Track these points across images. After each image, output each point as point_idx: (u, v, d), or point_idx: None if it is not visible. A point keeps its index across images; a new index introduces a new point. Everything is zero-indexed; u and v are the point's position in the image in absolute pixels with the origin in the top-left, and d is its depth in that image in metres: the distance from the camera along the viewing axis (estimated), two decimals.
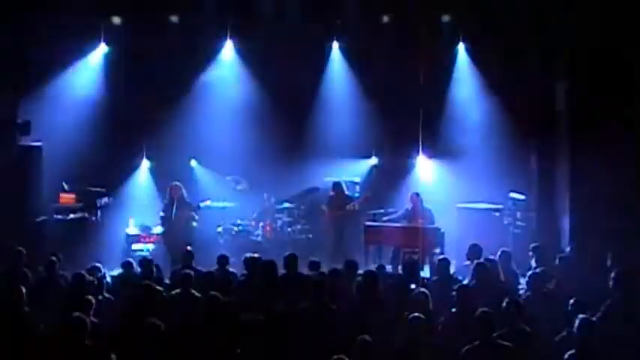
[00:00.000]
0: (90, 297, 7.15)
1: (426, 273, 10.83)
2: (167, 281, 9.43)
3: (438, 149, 13.96)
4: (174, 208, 11.90)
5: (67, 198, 12.91)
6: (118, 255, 12.52)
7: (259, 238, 12.81)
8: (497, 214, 12.74)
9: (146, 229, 12.75)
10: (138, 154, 13.99)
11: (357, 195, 13.18)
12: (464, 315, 6.82)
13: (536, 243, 10.30)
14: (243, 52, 14.05)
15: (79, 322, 6.05)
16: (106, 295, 8.17)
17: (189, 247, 10.87)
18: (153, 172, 13.99)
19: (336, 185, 12.95)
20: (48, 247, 10.51)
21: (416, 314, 6.42)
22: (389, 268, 11.18)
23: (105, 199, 12.90)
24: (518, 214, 12.74)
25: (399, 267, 11.46)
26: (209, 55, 13.99)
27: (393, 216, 12.36)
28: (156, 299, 7.57)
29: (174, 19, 13.58)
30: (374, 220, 12.47)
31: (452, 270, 9.65)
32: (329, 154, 13.75)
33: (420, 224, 11.83)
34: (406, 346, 6.15)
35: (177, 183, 12.16)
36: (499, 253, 9.44)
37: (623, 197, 10.81)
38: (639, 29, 10.72)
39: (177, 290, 7.97)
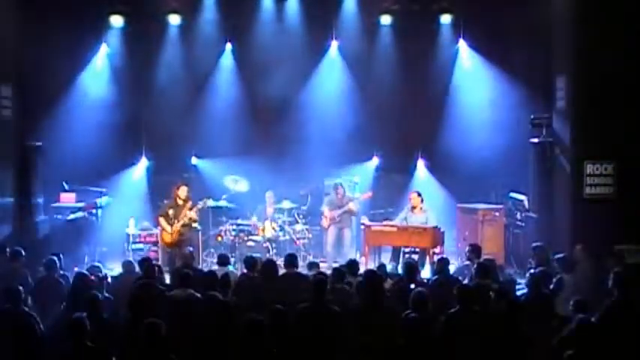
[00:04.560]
0: (96, 295, 7.13)
1: (426, 273, 10.84)
2: (167, 281, 9.45)
3: (439, 149, 13.98)
4: (178, 208, 11.86)
5: (67, 198, 12.92)
6: (118, 255, 12.56)
7: (259, 238, 12.81)
8: (497, 214, 12.75)
9: (146, 229, 12.75)
10: (138, 154, 14.00)
11: (357, 195, 13.17)
12: (464, 315, 6.82)
13: (537, 243, 10.31)
14: (243, 53, 14.07)
15: (79, 322, 6.04)
16: (106, 295, 8.17)
17: (189, 247, 10.90)
18: (152, 172, 14.01)
19: (337, 186, 12.95)
20: (48, 247, 10.51)
21: (416, 314, 6.41)
22: (389, 267, 11.18)
23: (105, 199, 12.89)
24: (518, 214, 12.75)
25: (399, 267, 11.48)
26: (209, 55, 14.01)
27: (394, 217, 12.35)
28: (156, 299, 7.57)
29: (174, 20, 13.61)
30: (374, 220, 12.49)
31: (452, 270, 9.66)
32: (330, 154, 13.75)
33: (420, 224, 11.85)
34: (406, 346, 6.14)
35: (184, 183, 12.13)
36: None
37: (624, 196, 10.81)
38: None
39: (177, 290, 7.97)
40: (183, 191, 11.92)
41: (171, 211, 11.82)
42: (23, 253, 9.33)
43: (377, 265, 10.42)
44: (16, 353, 5.72)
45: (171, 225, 11.75)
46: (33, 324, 6.13)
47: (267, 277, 8.52)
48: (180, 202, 11.87)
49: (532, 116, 12.20)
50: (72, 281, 8.30)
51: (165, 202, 12.13)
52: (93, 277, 8.31)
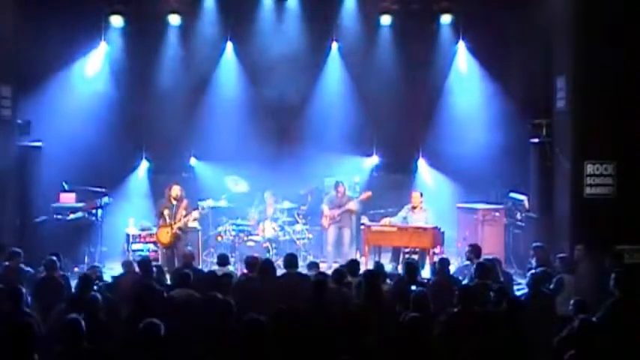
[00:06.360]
0: (95, 296, 7.12)
1: (426, 273, 10.84)
2: (167, 282, 9.44)
3: (439, 149, 13.98)
4: (173, 207, 11.87)
5: (67, 198, 12.91)
6: (118, 255, 12.56)
7: (259, 238, 12.81)
8: (497, 214, 12.75)
9: (146, 229, 12.74)
10: (138, 154, 14.02)
11: (356, 195, 13.17)
12: (465, 315, 6.82)
13: (537, 243, 10.31)
14: (243, 53, 14.07)
15: (75, 323, 6.01)
16: (106, 295, 8.15)
17: (189, 247, 10.89)
18: (152, 171, 14.02)
19: (337, 184, 12.95)
20: (48, 247, 10.51)
21: (416, 314, 6.41)
22: (388, 267, 11.17)
23: (105, 199, 12.89)
24: (518, 214, 12.75)
25: (399, 267, 11.48)
26: (209, 55, 14.01)
27: (394, 217, 12.35)
28: (156, 299, 7.56)
29: (174, 20, 13.61)
30: (374, 220, 12.48)
31: (452, 270, 9.66)
32: (330, 154, 13.75)
33: (420, 223, 11.85)
34: (406, 346, 6.14)
35: (176, 183, 12.15)
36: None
37: (624, 196, 10.79)
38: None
39: (177, 290, 7.97)
40: (175, 190, 11.90)
41: (166, 212, 11.81)
42: (21, 253, 9.32)
43: (375, 263, 10.37)
44: (16, 354, 5.70)
45: (169, 225, 11.74)
46: (33, 324, 6.10)
47: (265, 277, 8.52)
48: (173, 201, 11.86)
49: (532, 116, 12.20)
50: (76, 283, 8.28)
51: (160, 202, 12.11)
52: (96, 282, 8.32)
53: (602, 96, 10.72)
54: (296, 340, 6.42)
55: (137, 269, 9.05)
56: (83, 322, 5.99)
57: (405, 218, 12.12)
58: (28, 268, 9.24)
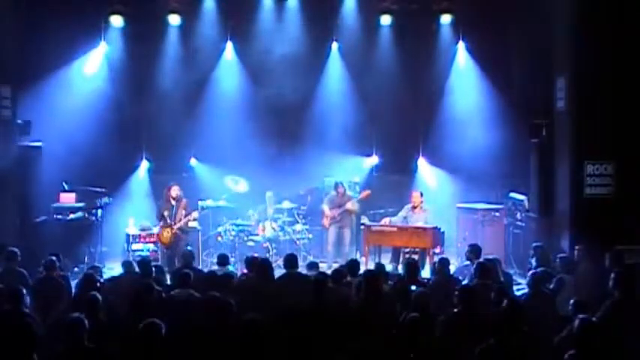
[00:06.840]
0: (95, 295, 7.11)
1: (426, 273, 10.84)
2: (167, 282, 9.44)
3: (439, 149, 13.99)
4: (173, 208, 11.90)
5: (67, 198, 12.91)
6: (118, 255, 12.56)
7: (259, 238, 12.81)
8: (497, 214, 12.75)
9: (146, 229, 12.74)
10: (138, 154, 14.02)
11: (357, 195, 13.17)
12: (465, 315, 6.82)
13: (537, 243, 10.31)
14: (243, 53, 14.07)
15: (77, 322, 6.02)
16: (106, 295, 8.14)
17: (189, 247, 10.89)
18: (152, 172, 14.02)
19: (337, 185, 12.95)
20: (48, 247, 10.50)
21: (416, 314, 6.41)
22: (389, 267, 11.17)
23: (105, 199, 12.88)
24: (518, 214, 12.75)
25: (399, 267, 11.48)
26: (209, 55, 14.01)
27: (394, 217, 12.34)
28: (156, 299, 7.56)
29: (174, 20, 13.61)
30: (374, 220, 12.48)
31: (452, 270, 9.66)
32: (330, 154, 13.75)
33: (420, 223, 11.85)
34: (406, 346, 6.14)
35: (175, 183, 12.17)
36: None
37: (624, 196, 10.79)
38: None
39: (177, 290, 7.97)
40: (174, 190, 11.98)
41: (166, 212, 11.88)
42: (18, 253, 9.29)
43: (375, 263, 10.39)
44: (16, 354, 5.70)
45: (170, 226, 11.78)
46: (33, 324, 6.11)
47: (263, 277, 8.51)
48: (173, 202, 11.90)
49: (532, 116, 12.20)
50: (76, 283, 8.28)
51: (160, 204, 12.14)
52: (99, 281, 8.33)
53: (602, 96, 10.72)
54: (296, 340, 6.42)
55: (137, 269, 9.05)
56: (86, 322, 6.01)
57: (405, 218, 12.12)
58: (26, 269, 9.20)
